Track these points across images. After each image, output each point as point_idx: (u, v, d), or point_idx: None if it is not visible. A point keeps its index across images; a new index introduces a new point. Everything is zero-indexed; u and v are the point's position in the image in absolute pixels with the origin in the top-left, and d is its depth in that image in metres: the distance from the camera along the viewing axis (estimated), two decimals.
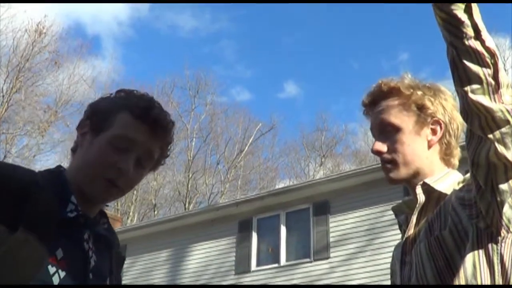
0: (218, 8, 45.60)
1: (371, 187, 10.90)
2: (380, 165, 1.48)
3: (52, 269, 1.17)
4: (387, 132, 1.44)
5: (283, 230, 12.16)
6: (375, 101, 1.48)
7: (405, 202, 1.49)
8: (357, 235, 11.07)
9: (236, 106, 45.30)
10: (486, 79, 1.12)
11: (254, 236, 12.50)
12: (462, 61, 1.13)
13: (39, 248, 1.15)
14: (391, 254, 1.54)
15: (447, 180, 1.41)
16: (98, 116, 1.35)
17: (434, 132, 1.43)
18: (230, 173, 31.86)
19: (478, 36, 1.11)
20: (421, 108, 1.43)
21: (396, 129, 1.42)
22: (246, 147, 32.32)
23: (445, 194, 1.37)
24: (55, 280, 1.17)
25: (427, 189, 1.39)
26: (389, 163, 1.43)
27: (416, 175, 1.42)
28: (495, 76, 1.12)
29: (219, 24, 46.96)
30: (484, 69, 1.12)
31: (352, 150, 34.25)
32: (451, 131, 1.43)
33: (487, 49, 1.12)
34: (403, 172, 1.42)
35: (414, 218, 1.40)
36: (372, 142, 1.49)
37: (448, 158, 1.45)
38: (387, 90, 1.46)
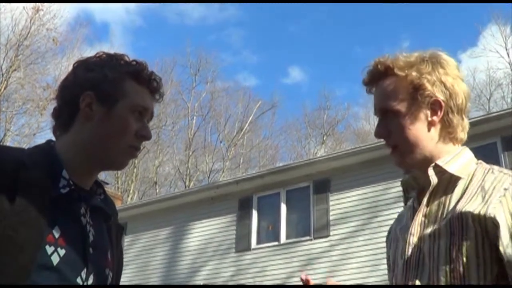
0: None
1: (372, 166, 10.89)
2: (381, 143, 1.45)
3: (50, 249, 1.17)
4: (387, 116, 1.42)
5: (283, 208, 12.19)
6: (374, 81, 1.47)
7: (413, 178, 1.48)
8: (357, 213, 11.09)
9: (237, 85, 45.19)
10: None
11: (254, 214, 12.54)
12: None
13: (36, 229, 1.15)
14: None
15: (459, 161, 1.39)
16: (106, 86, 1.32)
17: (434, 112, 1.40)
18: (230, 151, 31.88)
19: None
20: (418, 88, 1.39)
21: (395, 113, 1.40)
22: (246, 125, 32.29)
23: (456, 177, 1.36)
24: (55, 260, 1.17)
25: (440, 170, 1.37)
26: (394, 149, 1.42)
27: (425, 159, 1.40)
28: None
29: (227, 12, 46.82)
30: None
31: (354, 129, 34.25)
32: (453, 107, 1.39)
33: None
34: (409, 157, 1.40)
35: (424, 200, 1.38)
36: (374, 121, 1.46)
37: (452, 136, 1.42)
38: (383, 69, 1.44)
